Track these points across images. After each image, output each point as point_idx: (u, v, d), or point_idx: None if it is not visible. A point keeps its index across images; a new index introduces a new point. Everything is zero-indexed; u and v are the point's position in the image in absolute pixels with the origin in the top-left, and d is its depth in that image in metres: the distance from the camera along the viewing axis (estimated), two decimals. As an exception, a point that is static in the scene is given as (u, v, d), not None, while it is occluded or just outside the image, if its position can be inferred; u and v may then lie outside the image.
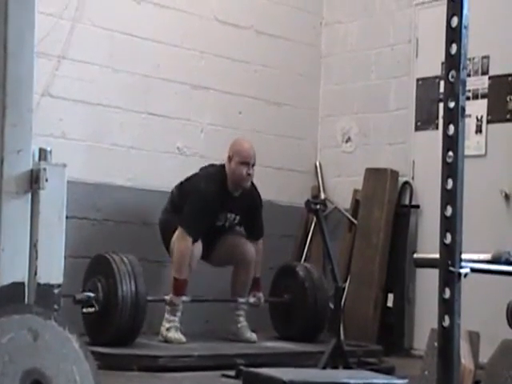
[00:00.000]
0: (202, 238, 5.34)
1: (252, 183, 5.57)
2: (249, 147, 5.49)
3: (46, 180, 2.40)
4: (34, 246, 2.40)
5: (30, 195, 2.41)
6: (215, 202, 5.34)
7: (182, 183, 5.51)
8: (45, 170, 2.41)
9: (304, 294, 5.68)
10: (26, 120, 2.41)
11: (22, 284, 2.38)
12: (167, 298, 5.24)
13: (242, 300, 5.57)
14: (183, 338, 5.23)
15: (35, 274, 2.39)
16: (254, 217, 5.62)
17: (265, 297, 5.71)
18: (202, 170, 5.55)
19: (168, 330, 5.26)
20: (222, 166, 5.48)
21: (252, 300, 5.61)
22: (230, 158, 5.44)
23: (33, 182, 2.41)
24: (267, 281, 5.86)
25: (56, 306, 2.41)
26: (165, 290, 5.40)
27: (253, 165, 5.44)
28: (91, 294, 4.88)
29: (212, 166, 5.56)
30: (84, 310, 4.89)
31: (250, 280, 5.57)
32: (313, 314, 5.65)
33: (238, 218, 5.54)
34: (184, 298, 5.28)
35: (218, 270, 5.68)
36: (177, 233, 5.25)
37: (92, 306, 4.86)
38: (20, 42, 2.40)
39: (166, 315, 5.29)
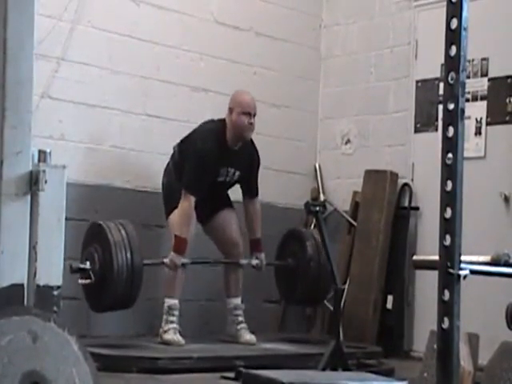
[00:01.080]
0: (204, 195, 5.33)
1: (252, 141, 5.57)
2: (250, 98, 5.50)
3: (46, 182, 2.41)
4: (33, 247, 2.40)
5: (29, 197, 2.42)
6: (214, 159, 5.33)
7: (182, 141, 5.50)
8: (44, 171, 2.41)
9: (308, 258, 5.65)
10: (26, 122, 2.41)
11: (22, 286, 2.38)
12: (166, 260, 5.23)
13: (244, 262, 5.55)
14: (182, 340, 5.23)
15: (34, 275, 2.39)
16: (252, 175, 5.61)
17: (267, 260, 5.68)
18: (201, 125, 5.54)
19: (167, 332, 5.25)
20: (222, 121, 5.46)
21: (254, 262, 5.60)
22: (230, 110, 5.43)
23: (32, 183, 2.41)
24: (266, 281, 5.85)
25: (55, 308, 2.41)
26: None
27: (254, 115, 5.43)
28: (87, 266, 4.89)
29: (212, 121, 5.54)
30: (80, 281, 4.90)
31: (241, 275, 5.57)
32: (316, 278, 5.60)
33: (237, 173, 5.50)
34: (184, 260, 5.25)
35: (215, 269, 5.67)
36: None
37: (89, 277, 4.88)
38: (19, 43, 2.40)
39: (165, 316, 5.29)
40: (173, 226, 5.33)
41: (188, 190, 5.27)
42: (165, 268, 5.35)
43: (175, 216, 5.31)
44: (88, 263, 4.91)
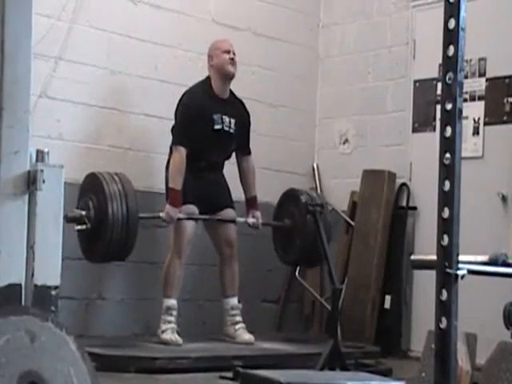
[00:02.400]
0: (205, 146, 5.37)
1: (241, 101, 5.66)
2: (226, 39, 5.68)
3: (44, 181, 2.40)
4: (30, 247, 2.40)
5: (27, 196, 2.41)
6: (203, 107, 5.40)
7: None
8: (42, 171, 2.41)
9: (305, 219, 5.64)
10: (24, 121, 2.41)
11: (19, 285, 2.38)
12: (162, 214, 5.23)
13: (240, 220, 5.56)
14: (180, 340, 5.22)
15: (32, 275, 2.39)
16: (245, 130, 5.66)
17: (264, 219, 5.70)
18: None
19: (165, 331, 5.25)
20: (206, 77, 5.55)
21: (251, 221, 5.62)
22: (211, 57, 5.56)
23: (30, 183, 2.41)
24: (264, 281, 5.85)
25: (53, 308, 2.41)
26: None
27: (234, 53, 5.55)
28: (82, 212, 4.91)
29: (198, 82, 5.64)
30: (76, 228, 4.92)
31: (236, 275, 5.57)
32: (313, 239, 5.55)
33: (233, 121, 5.54)
34: (180, 215, 5.25)
35: (213, 269, 5.66)
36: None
37: (84, 223, 4.90)
38: (17, 43, 2.40)
39: (163, 316, 5.29)
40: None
41: (176, 142, 5.33)
42: (163, 268, 5.35)
43: (169, 170, 5.35)
44: (84, 212, 4.93)
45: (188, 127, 5.35)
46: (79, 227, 4.92)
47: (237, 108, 5.62)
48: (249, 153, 5.72)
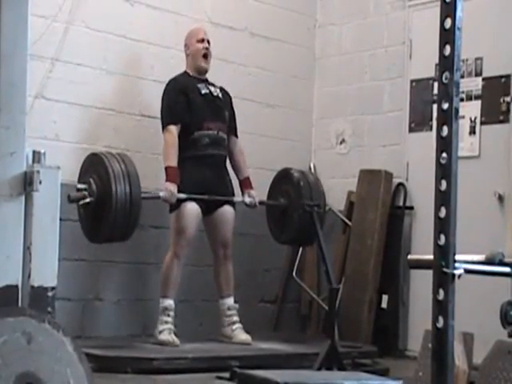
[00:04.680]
0: (199, 113, 5.44)
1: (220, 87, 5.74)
2: (200, 28, 5.82)
3: (40, 182, 2.40)
4: (27, 248, 2.40)
5: (23, 198, 2.41)
6: (185, 81, 5.55)
7: None
8: (38, 172, 2.41)
9: (299, 197, 5.63)
10: (20, 122, 2.41)
11: (16, 287, 2.37)
12: (162, 194, 5.23)
13: (237, 199, 5.58)
14: (177, 341, 5.22)
15: (29, 276, 2.39)
16: (231, 109, 5.74)
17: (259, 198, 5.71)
18: None
19: (162, 332, 5.25)
20: (183, 71, 5.69)
21: (247, 200, 5.63)
22: (187, 47, 5.70)
23: (26, 184, 2.41)
24: (261, 281, 5.83)
25: (50, 309, 2.41)
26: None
27: (208, 42, 5.66)
28: (84, 186, 4.87)
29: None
30: (80, 202, 4.88)
31: (231, 275, 5.56)
32: (308, 218, 5.55)
33: (218, 90, 5.66)
34: (181, 195, 5.26)
35: (210, 269, 5.66)
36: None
37: (86, 197, 4.85)
38: (13, 44, 2.40)
39: (160, 317, 5.29)
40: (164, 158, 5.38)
41: (166, 123, 5.41)
42: (162, 268, 5.35)
43: (163, 148, 5.41)
44: (86, 192, 4.88)
45: (175, 102, 5.44)
46: (83, 201, 4.84)
47: (219, 88, 5.72)
48: (236, 134, 5.76)
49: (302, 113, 6.96)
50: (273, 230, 5.87)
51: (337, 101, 6.87)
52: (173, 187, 5.25)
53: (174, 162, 5.31)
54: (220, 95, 5.66)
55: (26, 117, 2.43)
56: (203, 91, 5.57)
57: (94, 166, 4.99)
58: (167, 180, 5.28)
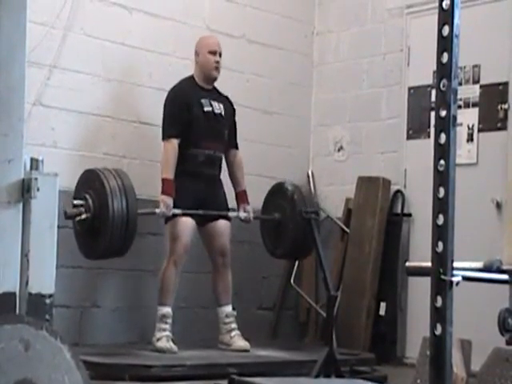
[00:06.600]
0: (199, 131, 5.40)
1: (223, 94, 5.69)
2: (214, 38, 5.74)
3: (38, 189, 2.40)
4: (25, 255, 2.39)
5: (21, 205, 2.41)
6: (187, 94, 5.48)
7: None
8: (36, 179, 2.40)
9: (293, 211, 5.63)
10: (18, 129, 2.41)
11: (14, 294, 2.37)
12: (158, 210, 5.23)
13: (232, 214, 5.57)
14: (175, 348, 5.21)
15: (27, 283, 2.39)
16: (233, 121, 5.70)
17: (255, 213, 5.71)
18: None
19: (160, 339, 5.24)
20: (190, 75, 5.62)
21: (242, 216, 5.63)
22: (197, 53, 5.61)
23: (24, 191, 2.40)
24: (259, 289, 5.82)
25: (47, 316, 2.41)
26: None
27: (220, 54, 5.59)
28: (80, 202, 4.87)
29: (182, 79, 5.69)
30: (78, 218, 4.88)
31: (229, 282, 5.56)
32: (302, 231, 5.55)
33: (221, 106, 5.60)
34: (175, 211, 5.25)
35: (209, 276, 5.66)
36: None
37: (82, 213, 4.86)
38: (11, 51, 2.40)
39: (158, 324, 5.28)
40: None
41: (168, 135, 5.38)
42: (159, 275, 5.34)
43: (160, 161, 5.39)
44: (83, 208, 4.88)
45: (178, 115, 5.41)
46: (80, 217, 4.85)
47: (222, 98, 5.69)
48: (236, 147, 5.74)
49: (300, 120, 6.96)
50: (267, 245, 5.88)
51: (335, 108, 6.88)
52: (169, 200, 5.25)
53: (171, 174, 5.30)
54: (222, 112, 5.59)
55: (24, 124, 2.43)
56: (206, 108, 5.50)
57: (89, 182, 4.99)
58: (163, 192, 5.27)
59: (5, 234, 2.37)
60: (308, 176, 6.91)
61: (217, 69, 5.57)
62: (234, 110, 5.76)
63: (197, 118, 5.45)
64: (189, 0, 6.26)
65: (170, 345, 5.22)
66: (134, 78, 5.92)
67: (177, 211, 5.28)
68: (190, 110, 5.45)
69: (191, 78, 5.62)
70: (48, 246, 2.44)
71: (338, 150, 6.84)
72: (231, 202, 5.69)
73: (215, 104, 5.58)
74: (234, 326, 5.53)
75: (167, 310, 5.29)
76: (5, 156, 2.38)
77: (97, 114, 5.73)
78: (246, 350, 5.43)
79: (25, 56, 2.44)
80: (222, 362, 5.00)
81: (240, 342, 5.47)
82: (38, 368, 2.20)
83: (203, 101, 5.52)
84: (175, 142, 5.36)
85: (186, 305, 5.92)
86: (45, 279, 2.43)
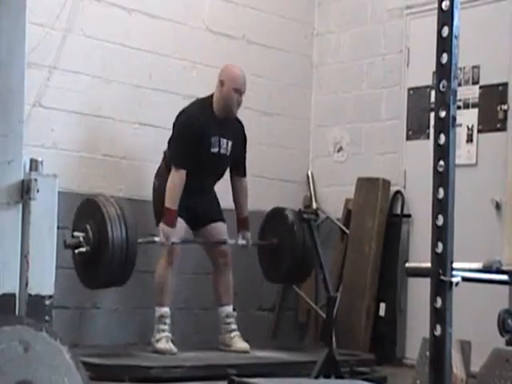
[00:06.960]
0: (200, 168, 5.33)
1: (237, 118, 5.60)
2: (243, 75, 5.50)
3: (37, 191, 2.40)
4: (24, 256, 2.39)
5: (20, 206, 2.41)
6: (201, 127, 5.33)
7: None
8: (36, 180, 2.40)
9: (292, 237, 5.65)
10: (17, 130, 2.41)
11: (13, 295, 2.37)
12: (157, 238, 5.21)
13: (231, 242, 5.55)
14: (174, 349, 5.21)
15: (26, 285, 2.39)
16: (242, 151, 5.62)
17: (253, 240, 5.70)
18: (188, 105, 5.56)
19: (159, 340, 5.23)
20: (209, 96, 5.47)
21: (241, 242, 5.61)
22: (222, 83, 5.41)
23: (24, 192, 2.40)
24: (259, 289, 5.83)
25: (47, 318, 2.41)
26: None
27: (243, 92, 5.46)
28: (81, 234, 4.87)
29: (199, 98, 5.58)
30: (77, 251, 4.88)
31: (231, 283, 5.56)
32: (301, 257, 5.59)
33: (230, 143, 5.48)
34: (174, 240, 5.22)
35: (208, 277, 5.66)
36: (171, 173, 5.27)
37: (82, 246, 4.86)
38: (11, 52, 2.40)
39: (156, 325, 5.27)
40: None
41: (178, 164, 5.27)
42: (155, 276, 5.34)
43: (166, 189, 5.29)
44: (81, 237, 4.89)
45: (188, 149, 5.30)
46: (79, 250, 4.87)
47: (235, 129, 5.55)
48: (244, 174, 5.67)
49: (300, 121, 6.96)
50: (265, 270, 5.90)
51: (334, 109, 6.88)
52: (169, 231, 5.21)
53: (175, 205, 5.23)
54: (228, 153, 5.47)
55: (24, 125, 2.43)
56: (212, 150, 5.39)
57: (89, 211, 4.98)
58: (164, 222, 5.22)
59: (4, 235, 2.37)
60: (308, 177, 6.91)
61: (238, 106, 5.46)
62: (245, 138, 5.65)
63: (202, 159, 5.36)
64: (189, 1, 6.26)
65: (170, 346, 5.21)
66: (133, 79, 5.92)
67: (176, 241, 5.25)
68: (198, 147, 5.33)
69: (209, 102, 5.44)
70: (47, 247, 2.44)
71: (338, 151, 6.84)
72: (228, 203, 5.68)
73: (223, 142, 5.45)
74: (234, 326, 5.53)
75: (165, 310, 5.29)
76: (4, 157, 2.38)
77: (96, 115, 5.73)
78: (245, 352, 5.43)
79: (24, 57, 2.44)
80: (221, 363, 5.00)
81: (240, 344, 5.47)
82: (38, 369, 2.20)
83: (213, 140, 5.39)
84: (184, 172, 5.27)
85: (185, 306, 5.92)
86: (44, 280, 2.43)
